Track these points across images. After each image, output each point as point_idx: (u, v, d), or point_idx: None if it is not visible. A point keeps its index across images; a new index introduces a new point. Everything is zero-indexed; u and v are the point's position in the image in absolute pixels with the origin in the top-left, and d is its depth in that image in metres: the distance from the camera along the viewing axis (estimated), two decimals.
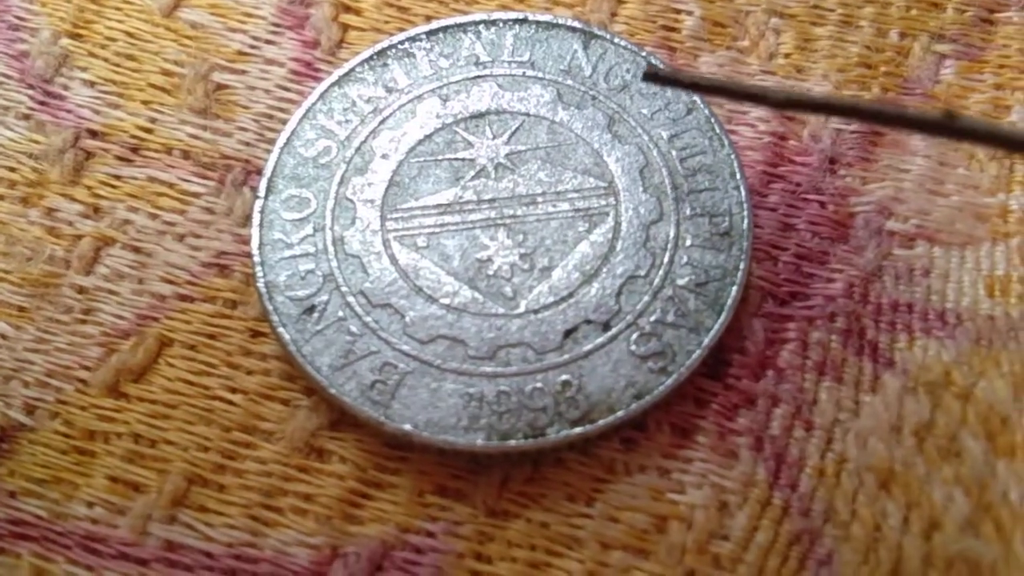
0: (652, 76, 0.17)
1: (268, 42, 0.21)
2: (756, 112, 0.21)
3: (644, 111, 0.20)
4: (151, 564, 0.17)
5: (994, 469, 0.17)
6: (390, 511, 0.17)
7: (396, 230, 0.19)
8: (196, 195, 0.20)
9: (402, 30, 0.21)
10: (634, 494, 0.17)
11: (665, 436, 0.18)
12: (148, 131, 0.21)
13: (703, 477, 0.18)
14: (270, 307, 0.18)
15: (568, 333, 0.18)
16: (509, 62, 0.20)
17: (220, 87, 0.21)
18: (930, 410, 0.18)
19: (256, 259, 0.18)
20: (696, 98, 0.20)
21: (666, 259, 0.18)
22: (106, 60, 0.21)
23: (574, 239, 0.19)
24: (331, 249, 0.19)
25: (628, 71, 0.20)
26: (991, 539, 0.17)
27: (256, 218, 0.19)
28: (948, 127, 0.14)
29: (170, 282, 0.19)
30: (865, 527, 0.17)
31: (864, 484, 0.17)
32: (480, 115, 0.20)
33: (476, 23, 0.21)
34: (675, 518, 0.17)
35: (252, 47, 0.21)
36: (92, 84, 0.21)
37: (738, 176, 0.19)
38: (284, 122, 0.20)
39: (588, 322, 0.18)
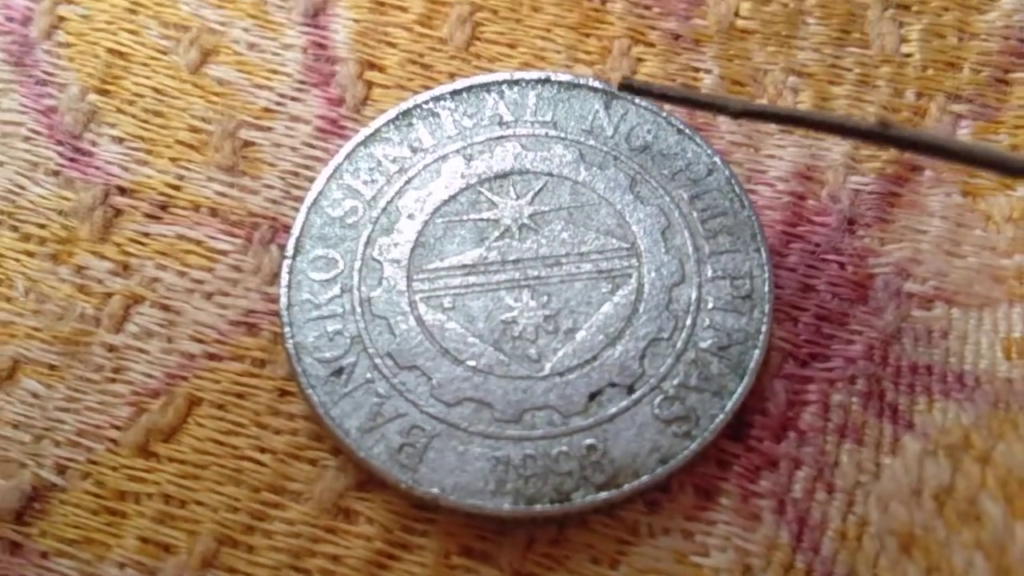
0: (627, 86, 0.19)
1: (294, 99, 0.22)
2: (775, 171, 0.21)
3: (665, 172, 0.20)
4: None
5: (1013, 533, 0.17)
6: (417, 573, 0.18)
7: (422, 291, 0.19)
8: (224, 253, 0.20)
9: (426, 87, 0.21)
10: (658, 557, 0.18)
11: (688, 498, 0.18)
12: (176, 188, 0.21)
13: (726, 540, 0.18)
14: (298, 369, 0.18)
15: (593, 396, 0.18)
16: (532, 122, 0.21)
17: (247, 144, 0.21)
18: (950, 473, 0.18)
19: (285, 320, 0.19)
20: (717, 159, 0.20)
21: (688, 322, 0.19)
22: (134, 116, 0.21)
23: (598, 300, 0.19)
24: (358, 310, 0.19)
25: (649, 131, 0.20)
26: None
27: (284, 278, 0.19)
28: (882, 135, 0.15)
29: (199, 341, 0.19)
30: None
31: (885, 548, 0.17)
32: (504, 175, 0.20)
33: (499, 83, 0.21)
34: None
35: (278, 104, 0.22)
36: (120, 140, 0.21)
37: (759, 238, 0.19)
38: (310, 180, 0.21)
39: (612, 385, 0.18)
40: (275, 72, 0.22)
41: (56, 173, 0.21)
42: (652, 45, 0.22)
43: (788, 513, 0.18)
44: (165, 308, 0.20)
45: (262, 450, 0.19)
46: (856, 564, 0.17)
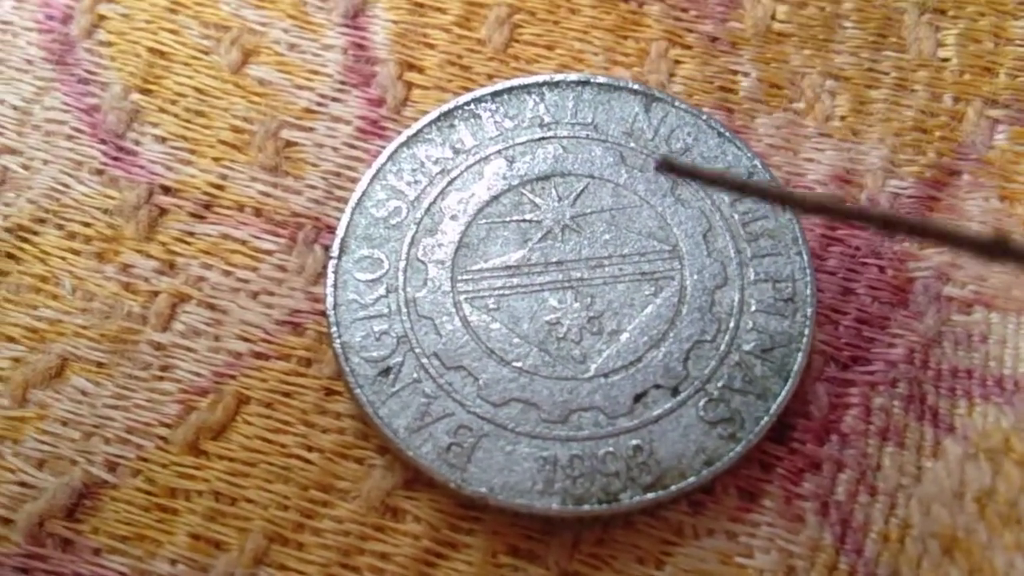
0: (666, 166, 0.18)
1: (335, 100, 0.22)
2: (814, 175, 0.21)
3: None
4: None
5: None
6: (464, 571, 0.18)
7: (467, 292, 0.19)
8: (268, 252, 0.20)
9: (465, 89, 0.22)
10: (703, 558, 0.18)
11: (732, 500, 0.18)
12: (220, 188, 0.21)
13: (770, 541, 0.18)
14: (346, 368, 0.19)
15: (638, 398, 0.18)
16: (572, 124, 0.21)
17: (289, 144, 0.21)
18: (991, 476, 0.18)
19: (332, 319, 0.19)
20: (757, 162, 0.20)
21: (731, 324, 0.19)
22: (176, 116, 0.22)
23: (641, 302, 0.19)
24: (404, 310, 0.19)
25: (689, 134, 0.21)
26: None
27: (330, 278, 0.19)
28: (1001, 250, 0.14)
29: (245, 339, 0.20)
30: None
31: (928, 550, 0.18)
32: (545, 177, 0.20)
33: (539, 85, 0.21)
34: None
35: (319, 104, 0.22)
36: (163, 140, 0.21)
37: (800, 241, 0.20)
38: (352, 180, 0.21)
39: (657, 387, 0.18)
40: (316, 73, 0.22)
41: (100, 172, 0.21)
42: (689, 48, 0.22)
43: (831, 515, 0.18)
44: (211, 307, 0.20)
45: (310, 448, 0.19)
46: (899, 566, 0.18)
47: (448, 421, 0.18)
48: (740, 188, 0.17)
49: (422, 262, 0.20)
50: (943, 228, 0.14)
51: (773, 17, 0.23)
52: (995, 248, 0.14)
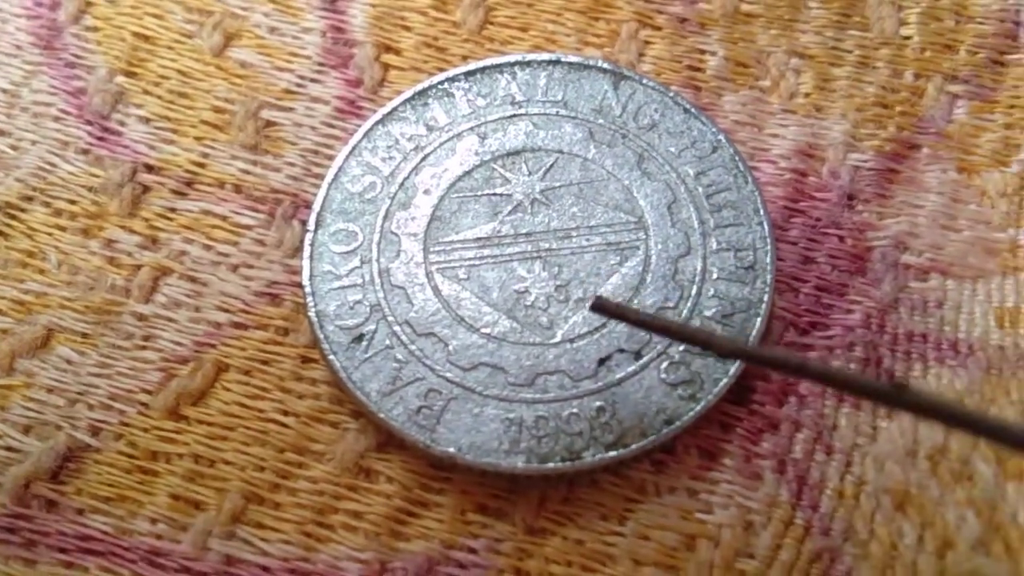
0: (599, 308, 0.18)
1: (314, 81, 0.22)
2: (777, 149, 0.22)
3: (672, 149, 0.21)
4: None
5: (1004, 491, 0.18)
6: (435, 528, 0.19)
7: (438, 262, 0.20)
8: (248, 227, 0.21)
9: (440, 70, 0.22)
10: (664, 514, 0.19)
11: (693, 459, 0.19)
12: (201, 166, 0.22)
13: (729, 498, 0.19)
14: (321, 336, 0.19)
15: (602, 361, 0.19)
16: (543, 101, 0.21)
17: (269, 124, 0.22)
18: (943, 435, 0.19)
19: (307, 290, 0.20)
20: (721, 137, 0.21)
21: (694, 291, 0.20)
22: (160, 97, 0.22)
23: (606, 272, 0.20)
24: (378, 280, 0.20)
25: (656, 111, 0.21)
26: (1001, 558, 0.18)
27: (306, 251, 0.20)
28: (895, 398, 0.14)
29: (225, 310, 0.20)
30: (882, 546, 0.18)
31: (881, 505, 0.18)
32: (516, 152, 0.21)
33: (511, 64, 0.22)
34: (703, 537, 0.18)
35: (299, 86, 0.22)
36: (147, 120, 0.22)
37: (762, 212, 0.20)
38: (330, 158, 0.21)
39: (621, 351, 0.19)
40: (295, 55, 0.23)
41: (86, 151, 0.22)
42: (659, 28, 0.23)
43: (788, 473, 0.19)
44: (192, 280, 0.21)
45: (286, 413, 0.19)
46: (853, 521, 0.18)
47: (418, 385, 0.19)
48: (664, 330, 0.18)
49: (395, 235, 0.20)
50: (847, 376, 0.16)
51: None
52: (893, 396, 0.15)
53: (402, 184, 0.21)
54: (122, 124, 0.22)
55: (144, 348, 0.20)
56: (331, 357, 0.19)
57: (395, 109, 0.21)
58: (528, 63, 0.22)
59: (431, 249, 0.20)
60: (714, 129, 0.21)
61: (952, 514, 0.18)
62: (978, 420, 0.14)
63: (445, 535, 0.19)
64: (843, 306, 0.20)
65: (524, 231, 0.20)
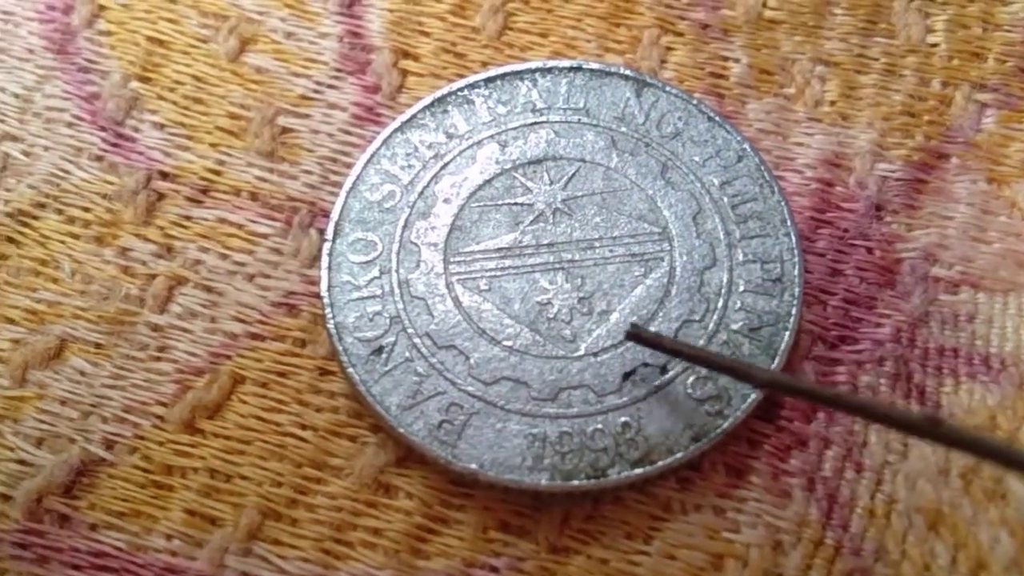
0: (635, 336, 0.18)
1: (330, 87, 0.22)
2: (803, 159, 0.21)
3: (696, 158, 0.20)
4: None
5: None
6: (455, 546, 0.18)
7: (459, 273, 0.20)
8: (264, 236, 0.21)
9: (459, 76, 0.22)
10: (691, 532, 0.18)
11: (720, 476, 0.19)
12: (217, 173, 0.21)
13: (757, 516, 0.18)
14: (340, 348, 0.19)
15: (627, 376, 0.19)
16: (564, 109, 0.21)
17: (285, 131, 0.22)
18: None
19: (326, 301, 0.19)
20: (747, 146, 0.21)
21: (720, 304, 0.19)
22: (175, 103, 0.22)
23: (631, 283, 0.19)
24: (397, 291, 0.19)
25: (680, 119, 0.21)
26: None
27: (325, 260, 0.20)
28: (930, 431, 0.14)
29: (241, 321, 0.20)
30: (915, 567, 0.18)
31: (913, 525, 0.18)
32: (537, 161, 0.21)
33: (532, 71, 0.21)
34: (731, 556, 0.18)
35: (315, 92, 0.22)
36: (162, 126, 0.22)
37: (788, 223, 0.20)
38: (347, 165, 0.21)
39: (646, 365, 0.19)
40: (312, 61, 0.22)
41: (100, 158, 0.21)
42: (681, 35, 0.23)
43: (818, 491, 0.18)
44: (208, 289, 0.20)
45: (304, 427, 0.19)
46: (885, 540, 0.18)
47: (439, 399, 0.18)
48: (702, 360, 0.18)
49: (415, 244, 0.20)
50: (881, 408, 0.15)
51: (764, 4, 0.23)
52: (927, 429, 0.14)
53: (421, 193, 0.20)
54: (136, 130, 0.22)
55: (159, 359, 0.20)
56: (350, 370, 0.19)
57: (414, 116, 0.21)
58: (549, 70, 0.21)
59: (451, 259, 0.20)
60: (739, 138, 0.21)
61: (985, 534, 0.18)
62: (1011, 453, 0.13)
63: (466, 553, 0.18)
64: (872, 320, 0.20)
65: (546, 241, 0.20)
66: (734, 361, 0.18)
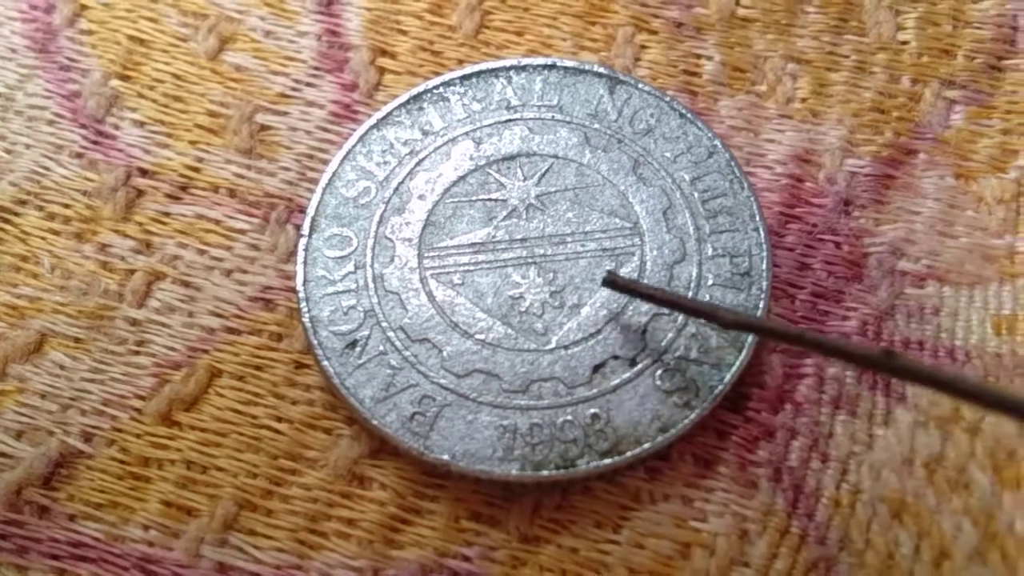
0: (611, 283, 0.19)
1: (309, 85, 0.22)
2: (774, 155, 0.22)
3: (667, 154, 0.21)
4: None
5: (1000, 500, 0.18)
6: (428, 536, 0.19)
7: (433, 268, 0.20)
8: (242, 232, 0.21)
9: (436, 74, 0.22)
10: (659, 522, 0.18)
11: (688, 466, 0.19)
12: (195, 170, 0.22)
13: (724, 506, 0.19)
14: (315, 341, 0.19)
15: (597, 368, 0.19)
16: (538, 106, 0.21)
17: (263, 128, 0.22)
18: (940, 443, 0.19)
19: (301, 295, 0.20)
20: (717, 142, 0.21)
21: (689, 297, 0.19)
22: (154, 101, 0.22)
23: (601, 277, 0.20)
24: (372, 286, 0.20)
25: (652, 115, 0.21)
26: (997, 567, 0.18)
27: (300, 255, 0.20)
28: (885, 364, 0.15)
29: (218, 315, 0.20)
30: (879, 555, 0.18)
31: (878, 514, 0.18)
32: (511, 157, 0.21)
33: (507, 68, 0.22)
34: (698, 545, 0.18)
35: (294, 90, 0.22)
36: (142, 124, 0.22)
37: (757, 218, 0.20)
38: (325, 162, 0.21)
39: (615, 358, 0.19)
40: (290, 59, 0.23)
41: (80, 155, 0.22)
42: (655, 33, 0.23)
43: (784, 481, 0.19)
44: (186, 284, 0.21)
45: (279, 419, 0.19)
46: (849, 529, 0.18)
47: (412, 391, 0.19)
48: (672, 303, 0.18)
49: (390, 240, 0.20)
50: (841, 345, 0.16)
51: (738, 3, 0.23)
52: (883, 363, 0.15)
53: (397, 189, 0.21)
54: (116, 128, 0.22)
55: (137, 353, 0.20)
56: (325, 363, 0.19)
57: (390, 113, 0.21)
58: (524, 67, 0.22)
59: (425, 254, 0.20)
60: (710, 134, 0.21)
61: (949, 523, 0.18)
62: (960, 383, 0.14)
63: (439, 542, 0.18)
64: (839, 313, 0.20)
65: (519, 236, 0.20)
66: (702, 303, 0.18)
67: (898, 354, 0.14)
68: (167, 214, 0.21)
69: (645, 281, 0.19)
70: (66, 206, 0.21)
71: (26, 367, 0.20)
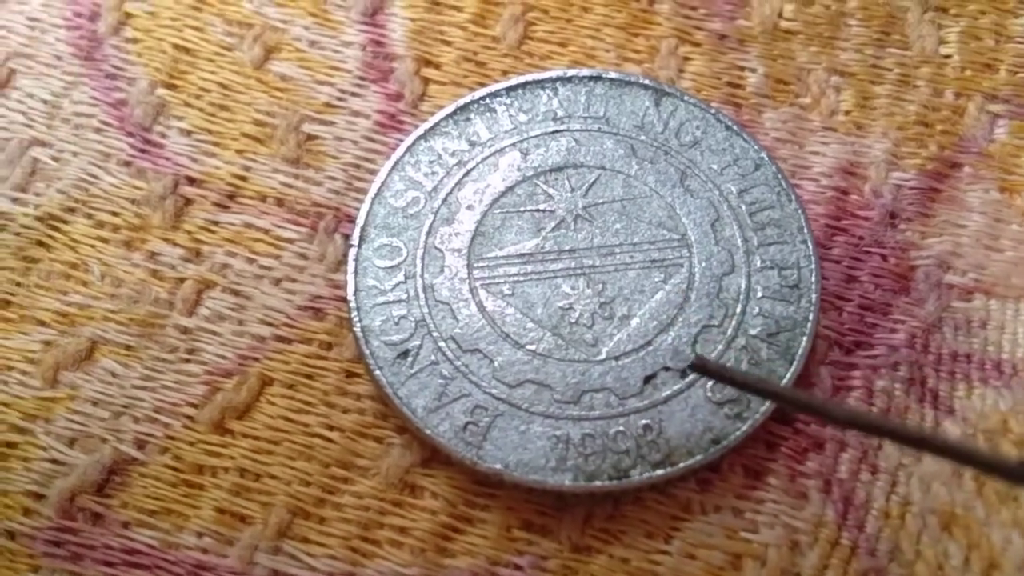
0: (700, 368, 0.18)
1: (354, 95, 0.22)
2: (819, 167, 0.22)
3: (714, 166, 0.21)
4: None
5: None
6: (480, 545, 0.19)
7: (482, 278, 0.20)
8: (290, 241, 0.21)
9: (480, 84, 0.22)
10: (710, 532, 0.19)
11: (738, 478, 0.19)
12: (243, 179, 0.22)
13: (775, 517, 0.19)
14: (366, 351, 0.19)
15: (648, 379, 0.19)
16: (584, 117, 0.22)
17: (310, 137, 0.22)
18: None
19: (352, 305, 0.20)
20: (764, 154, 0.21)
21: (738, 310, 0.20)
22: (201, 110, 0.22)
23: (651, 289, 0.20)
24: (422, 296, 0.20)
25: (698, 128, 0.21)
26: None
27: (351, 265, 0.20)
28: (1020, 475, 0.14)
29: (268, 324, 0.20)
30: (929, 567, 0.18)
31: (927, 526, 0.18)
32: (559, 168, 0.21)
33: (553, 80, 0.22)
34: (749, 556, 0.18)
35: (339, 99, 0.22)
36: (188, 133, 0.22)
37: (805, 230, 0.20)
38: (371, 172, 0.21)
39: (666, 369, 0.19)
40: (335, 68, 0.23)
41: (128, 163, 0.22)
42: (698, 45, 0.23)
43: (834, 492, 0.19)
44: (235, 293, 0.21)
45: (331, 428, 0.19)
46: (899, 541, 0.18)
47: (464, 401, 0.19)
48: (771, 395, 0.18)
49: (439, 250, 0.20)
50: (967, 449, 0.15)
51: (780, 15, 0.23)
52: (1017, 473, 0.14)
53: (445, 199, 0.21)
54: (163, 136, 0.22)
55: (188, 361, 0.20)
56: (376, 372, 0.19)
57: (437, 124, 0.21)
58: (569, 79, 0.22)
59: (475, 265, 0.20)
60: (756, 147, 0.21)
61: (998, 535, 0.18)
62: None
63: (491, 551, 0.19)
64: (887, 325, 0.20)
65: (567, 247, 0.20)
66: (807, 395, 0.18)
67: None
68: (216, 223, 0.21)
69: (695, 287, 0.20)
70: (115, 214, 0.21)
71: (77, 374, 0.20)
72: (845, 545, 0.18)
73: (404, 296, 0.20)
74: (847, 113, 0.22)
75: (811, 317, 0.19)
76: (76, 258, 0.21)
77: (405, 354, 0.19)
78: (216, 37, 0.23)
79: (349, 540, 0.19)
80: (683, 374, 0.19)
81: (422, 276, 0.20)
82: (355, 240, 0.20)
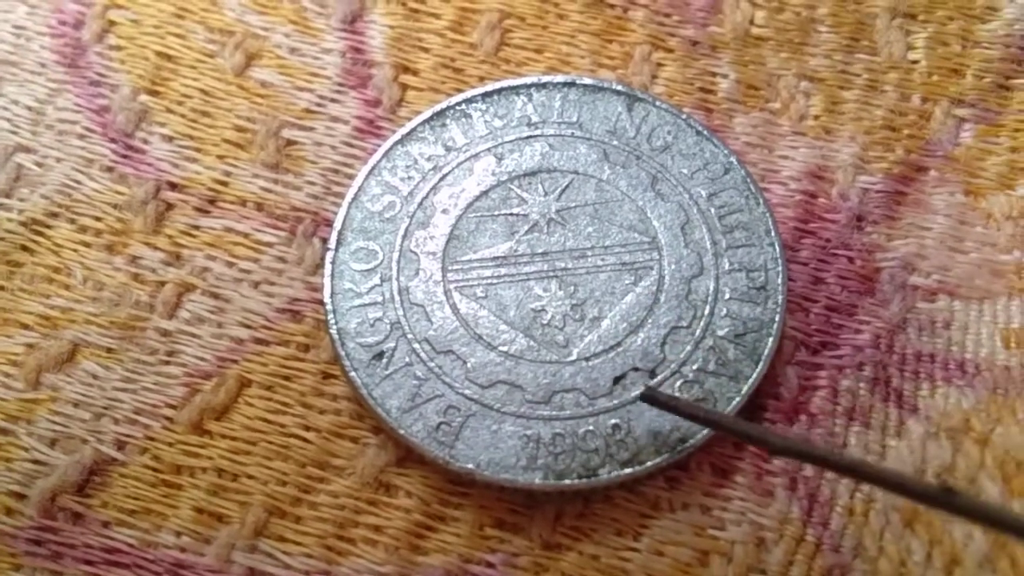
0: (649, 399, 0.19)
1: (333, 101, 0.23)
2: (788, 171, 0.22)
3: (684, 170, 0.21)
4: None
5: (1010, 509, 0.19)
6: (453, 543, 0.19)
7: (456, 281, 0.20)
8: (269, 245, 0.22)
9: (457, 90, 0.23)
10: (678, 530, 0.19)
11: (706, 476, 0.19)
12: (223, 184, 0.22)
13: (742, 515, 0.19)
14: (342, 352, 0.20)
15: (617, 380, 0.19)
16: (558, 123, 0.22)
17: (289, 143, 0.22)
18: (951, 454, 0.19)
19: (328, 307, 0.20)
20: (733, 159, 0.21)
21: (707, 311, 0.20)
22: (183, 116, 0.23)
23: (621, 291, 0.20)
24: (397, 299, 0.20)
25: (669, 132, 0.22)
26: (1007, 575, 0.18)
27: (328, 268, 0.20)
28: (945, 502, 0.15)
29: (247, 326, 0.21)
30: (891, 563, 0.18)
31: (890, 522, 0.19)
32: (532, 173, 0.21)
33: (528, 86, 0.22)
34: (716, 553, 0.19)
35: (318, 105, 0.23)
36: (170, 139, 0.23)
37: (773, 233, 0.21)
38: (350, 176, 0.22)
39: (636, 369, 0.20)
40: (315, 75, 0.23)
41: (110, 169, 0.22)
42: (671, 51, 0.23)
43: (799, 490, 0.19)
44: (215, 296, 0.21)
45: (307, 428, 0.20)
46: (863, 537, 0.19)
47: (438, 402, 0.19)
48: (716, 424, 0.18)
49: (415, 253, 0.21)
50: (898, 478, 0.15)
51: (752, 22, 0.24)
52: (943, 500, 0.15)
53: (421, 203, 0.21)
54: (146, 142, 0.22)
55: (168, 363, 0.20)
56: (352, 374, 0.19)
57: (414, 129, 0.22)
58: (544, 85, 0.22)
59: (449, 268, 0.20)
60: (726, 151, 0.21)
61: (959, 532, 0.18)
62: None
63: (463, 549, 0.19)
64: (853, 326, 0.21)
65: (540, 250, 0.21)
66: (750, 426, 0.18)
67: (959, 492, 0.14)
68: (196, 227, 0.22)
69: (665, 289, 0.20)
70: (97, 219, 0.22)
71: (59, 376, 0.20)
72: (810, 542, 0.19)
73: (380, 299, 0.20)
74: (816, 118, 0.23)
75: (778, 318, 0.20)
76: (59, 262, 0.21)
77: (380, 355, 0.20)
78: (198, 44, 0.23)
79: (325, 539, 0.19)
80: (651, 375, 0.19)
81: (398, 279, 0.20)
82: (332, 244, 0.21)
